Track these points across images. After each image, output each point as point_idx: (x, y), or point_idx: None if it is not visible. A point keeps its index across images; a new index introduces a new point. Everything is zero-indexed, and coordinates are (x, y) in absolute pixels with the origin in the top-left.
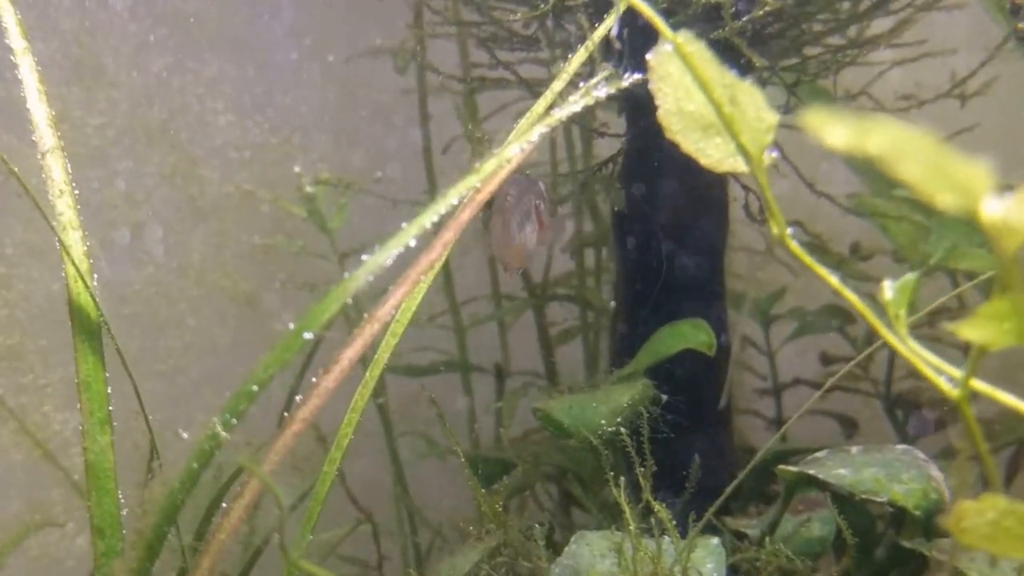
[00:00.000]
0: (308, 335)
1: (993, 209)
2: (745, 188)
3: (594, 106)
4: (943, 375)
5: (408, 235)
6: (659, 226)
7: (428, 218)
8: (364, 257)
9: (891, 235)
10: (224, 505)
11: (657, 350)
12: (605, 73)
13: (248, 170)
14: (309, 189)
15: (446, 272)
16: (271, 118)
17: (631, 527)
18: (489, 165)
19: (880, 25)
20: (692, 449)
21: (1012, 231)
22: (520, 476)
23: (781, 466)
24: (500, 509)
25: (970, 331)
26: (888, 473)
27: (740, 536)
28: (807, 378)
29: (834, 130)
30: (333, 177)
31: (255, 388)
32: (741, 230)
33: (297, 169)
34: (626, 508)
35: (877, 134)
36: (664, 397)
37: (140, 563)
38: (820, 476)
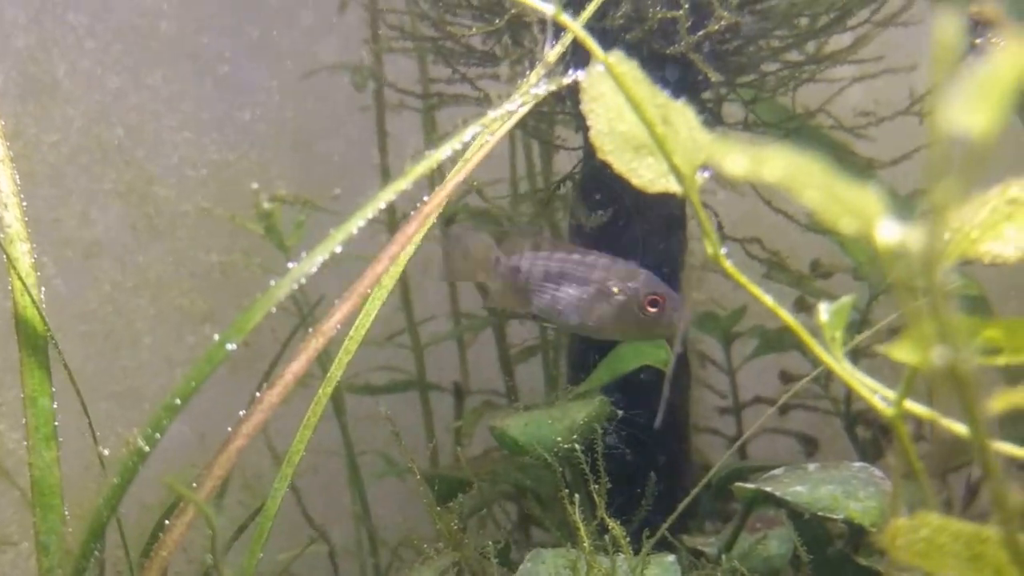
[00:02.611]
0: (232, 346)
1: (888, 234)
2: (704, 205)
3: (553, 122)
4: (878, 395)
5: (335, 242)
6: (616, 242)
7: (354, 224)
8: (290, 265)
9: (850, 252)
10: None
11: (615, 367)
12: (561, 80)
13: (205, 188)
14: (266, 206)
15: (404, 290)
16: (228, 135)
17: (585, 544)
18: (419, 168)
19: (839, 41)
20: (649, 467)
21: (907, 255)
22: (478, 495)
23: (738, 483)
24: (457, 527)
25: (900, 352)
26: (845, 490)
27: (697, 554)
28: (768, 396)
29: (733, 159)
30: (290, 194)
31: (178, 402)
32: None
33: (255, 186)
34: (580, 526)
35: (773, 163)
36: (620, 413)
37: None
38: (777, 493)
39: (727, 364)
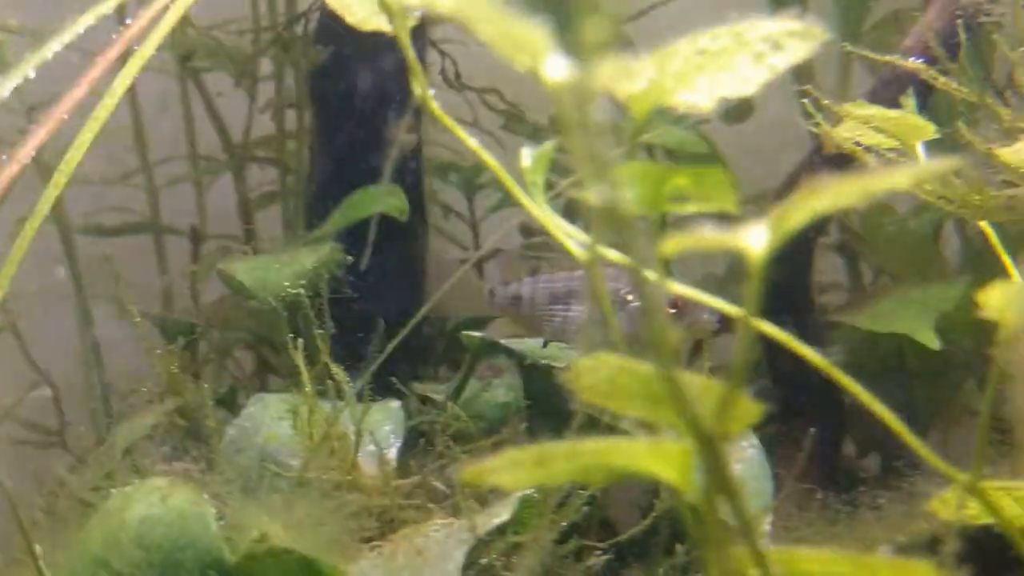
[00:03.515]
0: None
1: (554, 71)
2: (442, 53)
3: None
4: (574, 240)
5: (28, 65)
6: (354, 87)
7: (48, 51)
8: None
9: None
10: None
11: (350, 214)
12: None
13: None
14: None
15: (137, 128)
16: None
17: (307, 389)
18: None
19: None
20: (381, 315)
21: (574, 93)
22: (212, 341)
23: (465, 331)
24: (182, 372)
25: (589, 197)
26: None
27: (426, 400)
28: (506, 248)
29: None
30: (20, 24)
31: None
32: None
33: None
34: (304, 370)
35: None
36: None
37: None
38: (502, 341)
39: (470, 215)
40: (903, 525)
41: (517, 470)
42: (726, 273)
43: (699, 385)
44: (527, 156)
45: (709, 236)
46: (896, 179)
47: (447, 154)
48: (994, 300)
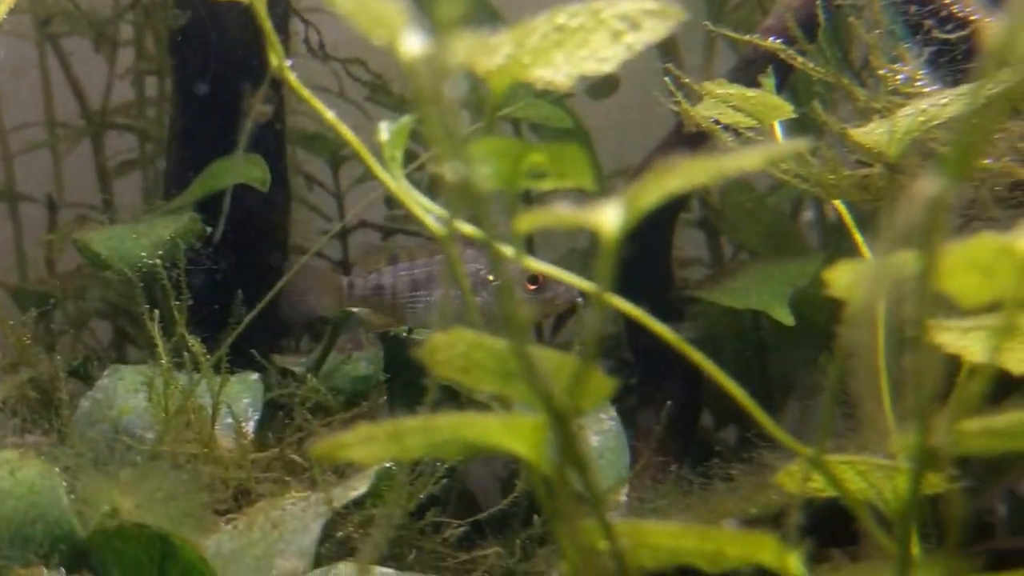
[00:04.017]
0: None
1: (410, 47)
2: (305, 22)
3: None
4: (432, 215)
5: None
6: (215, 54)
7: None
8: None
9: None
10: None
11: (209, 184)
12: None
13: None
14: None
15: None
16: None
17: (163, 361)
18: None
19: None
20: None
21: (428, 69)
22: (68, 311)
23: None
24: (32, 343)
25: (444, 173)
26: None
27: (285, 373)
28: (374, 221)
29: None
30: None
31: None
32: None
33: None
34: (159, 342)
35: None
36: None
37: None
38: (361, 315)
39: (335, 186)
40: (754, 497)
41: (371, 445)
42: (589, 247)
43: (552, 360)
44: (385, 130)
45: (564, 213)
46: (747, 160)
47: (313, 124)
48: (841, 278)
